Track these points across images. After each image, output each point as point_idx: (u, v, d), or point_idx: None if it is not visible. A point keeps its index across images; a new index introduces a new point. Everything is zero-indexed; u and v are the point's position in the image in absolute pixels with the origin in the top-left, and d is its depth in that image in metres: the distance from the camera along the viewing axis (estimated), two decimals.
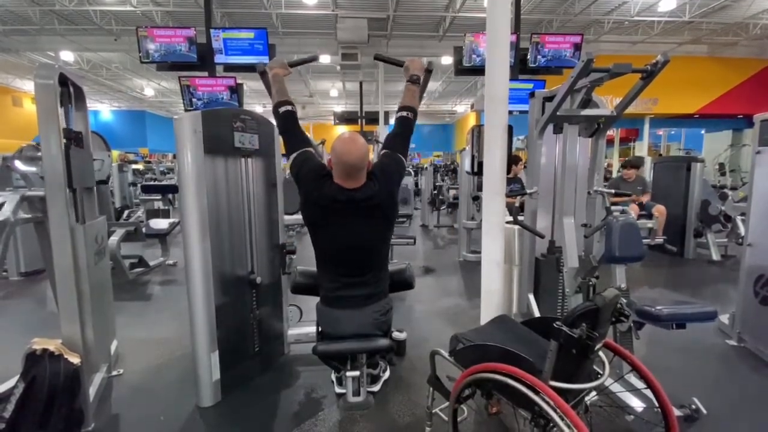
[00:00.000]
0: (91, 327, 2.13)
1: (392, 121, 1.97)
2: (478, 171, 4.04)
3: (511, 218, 2.47)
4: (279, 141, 2.45)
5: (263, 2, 8.56)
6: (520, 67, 5.61)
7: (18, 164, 3.79)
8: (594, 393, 1.74)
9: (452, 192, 8.43)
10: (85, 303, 2.09)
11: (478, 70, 5.63)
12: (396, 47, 10.80)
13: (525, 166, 5.09)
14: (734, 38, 10.51)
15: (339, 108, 18.17)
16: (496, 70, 2.20)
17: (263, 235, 2.57)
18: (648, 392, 1.54)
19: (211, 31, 5.38)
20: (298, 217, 2.84)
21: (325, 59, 10.77)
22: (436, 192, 8.47)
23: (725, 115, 11.95)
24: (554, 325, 1.29)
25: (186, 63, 5.43)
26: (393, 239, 3.00)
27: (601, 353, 1.53)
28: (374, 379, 2.35)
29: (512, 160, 4.83)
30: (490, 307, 2.29)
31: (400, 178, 1.87)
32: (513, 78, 4.53)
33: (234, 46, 5.41)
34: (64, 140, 1.93)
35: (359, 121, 12.26)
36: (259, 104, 17.71)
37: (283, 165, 3.31)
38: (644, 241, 4.39)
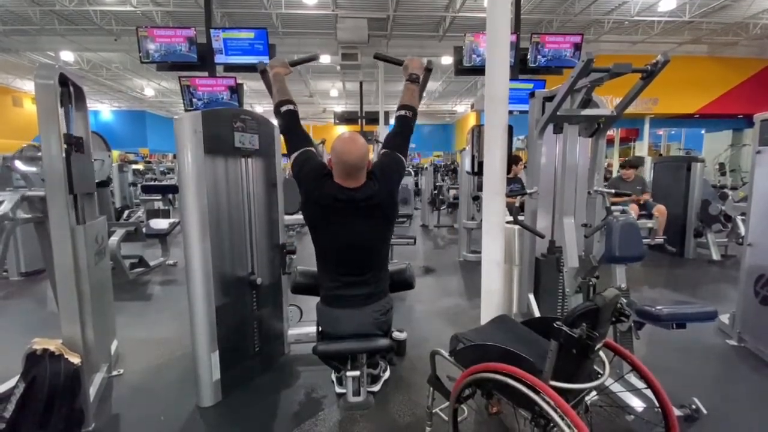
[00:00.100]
0: (91, 327, 2.13)
1: (392, 120, 1.97)
2: (478, 171, 4.03)
3: (511, 218, 2.47)
4: (279, 141, 2.45)
5: (263, 2, 8.56)
6: (520, 67, 5.60)
7: (18, 164, 3.79)
8: (594, 393, 1.74)
9: (452, 192, 8.42)
10: (86, 303, 2.10)
11: (478, 70, 5.62)
12: (396, 47, 10.79)
13: (525, 166, 5.09)
14: (734, 38, 10.50)
15: (339, 108, 18.16)
16: (496, 70, 2.20)
17: (263, 235, 2.57)
18: (648, 392, 1.54)
19: (211, 31, 5.38)
20: (299, 217, 2.84)
21: (325, 59, 10.77)
22: (436, 192, 8.47)
23: (725, 115, 11.94)
24: (554, 325, 1.29)
25: (186, 63, 5.43)
26: (393, 239, 3.01)
27: (601, 353, 1.53)
28: (374, 379, 2.35)
29: (512, 160, 4.83)
30: (490, 307, 2.29)
31: (400, 177, 1.87)
32: (513, 78, 4.53)
33: (234, 46, 5.41)
34: (65, 146, 1.93)
35: (359, 121, 12.26)
36: (259, 104, 17.71)
37: (284, 165, 3.32)
38: (644, 241, 4.40)
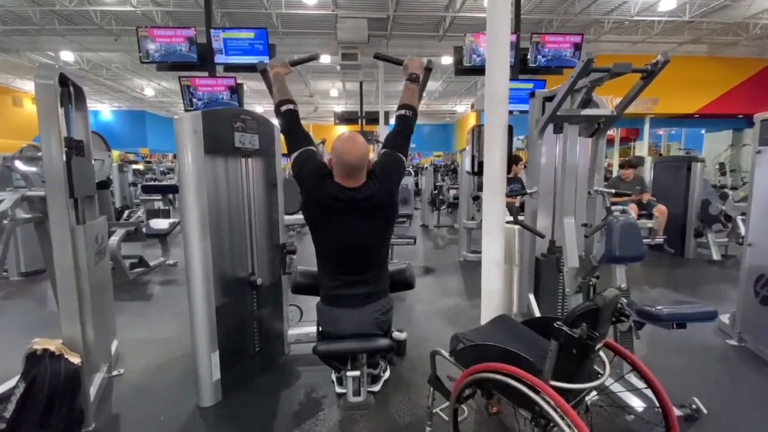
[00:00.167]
0: (91, 327, 2.13)
1: (392, 120, 1.97)
2: (478, 171, 4.02)
3: (511, 218, 2.47)
4: (279, 141, 2.45)
5: (263, 2, 8.56)
6: (520, 67, 5.60)
7: (18, 164, 3.79)
8: (594, 393, 1.74)
9: (452, 192, 8.43)
10: (86, 303, 2.10)
11: (478, 70, 5.62)
12: (396, 47, 10.79)
13: (525, 166, 5.09)
14: (734, 38, 10.50)
15: (339, 108, 18.16)
16: (496, 70, 2.20)
17: (263, 234, 2.56)
18: (648, 392, 1.54)
19: (211, 31, 5.38)
20: (299, 217, 2.84)
21: (325, 59, 10.77)
22: (436, 192, 8.47)
23: (725, 114, 11.94)
24: (555, 324, 1.29)
25: (186, 63, 5.43)
26: (393, 239, 3.01)
27: (601, 353, 1.53)
28: (374, 379, 2.35)
29: (512, 160, 4.83)
30: (490, 307, 2.29)
31: (400, 177, 1.87)
32: (513, 78, 4.52)
33: (234, 46, 5.41)
34: (66, 149, 1.93)
35: (359, 121, 12.26)
36: (259, 104, 17.71)
37: (284, 165, 3.32)
38: (644, 240, 4.40)
